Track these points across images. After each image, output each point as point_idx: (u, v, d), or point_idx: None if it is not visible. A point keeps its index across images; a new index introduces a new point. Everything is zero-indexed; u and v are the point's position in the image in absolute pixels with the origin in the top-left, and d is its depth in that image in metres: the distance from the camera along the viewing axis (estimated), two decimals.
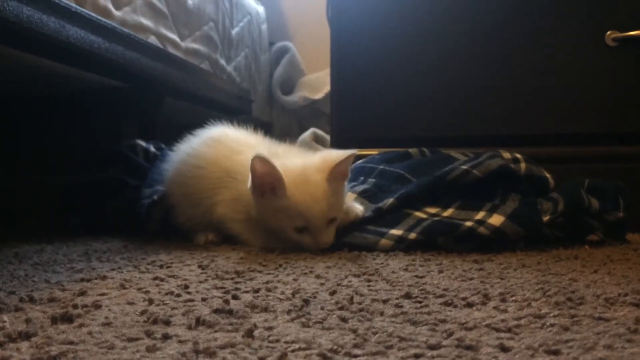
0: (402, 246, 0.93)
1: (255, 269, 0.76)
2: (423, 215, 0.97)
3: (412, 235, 0.93)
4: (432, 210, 0.97)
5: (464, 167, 1.00)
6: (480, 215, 0.94)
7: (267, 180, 0.88)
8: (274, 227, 0.92)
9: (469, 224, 0.92)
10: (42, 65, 1.14)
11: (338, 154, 0.92)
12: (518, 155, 1.07)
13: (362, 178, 1.12)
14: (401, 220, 0.96)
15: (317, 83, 2.24)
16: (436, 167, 1.05)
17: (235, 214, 0.97)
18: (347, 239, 0.94)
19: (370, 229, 0.96)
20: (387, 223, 0.96)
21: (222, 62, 1.77)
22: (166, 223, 1.09)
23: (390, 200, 0.99)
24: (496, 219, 0.92)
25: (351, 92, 1.48)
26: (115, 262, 0.83)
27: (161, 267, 0.79)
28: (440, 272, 0.74)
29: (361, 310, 0.54)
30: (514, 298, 0.59)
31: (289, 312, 0.54)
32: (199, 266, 0.78)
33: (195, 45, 1.58)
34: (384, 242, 0.93)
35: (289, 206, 0.88)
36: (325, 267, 0.77)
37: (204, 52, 1.63)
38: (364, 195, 1.05)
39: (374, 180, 1.09)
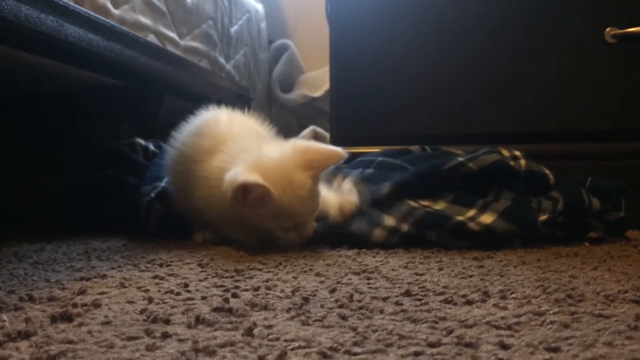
0: (396, 238, 0.93)
1: (254, 267, 0.76)
2: (416, 205, 0.97)
3: (405, 227, 0.93)
4: (425, 202, 0.98)
5: (461, 159, 1.00)
6: (471, 212, 0.94)
7: (251, 197, 0.85)
8: (259, 229, 0.90)
9: (459, 218, 0.92)
10: (40, 64, 1.13)
11: (325, 155, 0.89)
12: (517, 153, 1.07)
13: (361, 168, 1.12)
14: (395, 207, 0.97)
15: (317, 81, 2.24)
16: (434, 160, 1.05)
17: (211, 212, 0.94)
18: (344, 227, 0.95)
19: (364, 213, 0.97)
20: (381, 208, 0.97)
21: (221, 60, 1.77)
22: (166, 221, 1.09)
23: (386, 186, 1.00)
24: (487, 217, 0.92)
25: (350, 89, 1.48)
26: (115, 260, 0.83)
27: (161, 265, 0.79)
28: (440, 269, 0.74)
29: (361, 308, 0.54)
30: (513, 295, 0.59)
31: (288, 310, 0.54)
32: (199, 265, 0.78)
33: (194, 44, 1.58)
34: (377, 232, 0.93)
35: (276, 211, 0.86)
36: (325, 265, 0.77)
37: (203, 51, 1.63)
38: (361, 183, 1.05)
39: (372, 170, 1.10)
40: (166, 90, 1.46)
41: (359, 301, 0.57)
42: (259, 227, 0.90)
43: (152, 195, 1.10)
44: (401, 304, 0.56)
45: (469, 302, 0.57)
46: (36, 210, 1.43)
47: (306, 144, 0.92)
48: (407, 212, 0.96)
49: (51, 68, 1.18)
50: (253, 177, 0.82)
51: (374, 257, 0.85)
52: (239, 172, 0.84)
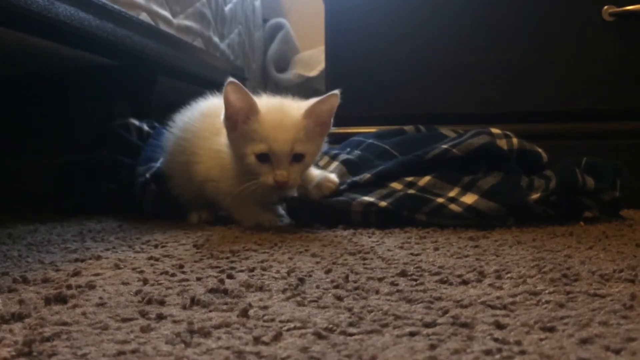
0: (373, 210, 0.94)
1: (250, 248, 0.76)
2: (397, 187, 0.98)
3: (382, 203, 0.94)
4: (408, 178, 0.98)
5: (444, 146, 1.01)
6: (454, 192, 0.95)
7: (240, 107, 0.88)
8: (239, 155, 0.91)
9: (439, 200, 0.93)
10: (32, 43, 1.12)
11: (321, 99, 0.92)
12: (509, 133, 1.06)
13: (348, 149, 1.13)
14: (374, 191, 0.98)
15: (312, 60, 2.22)
16: (423, 145, 1.05)
17: (225, 192, 0.96)
18: (322, 201, 0.96)
19: (343, 194, 0.98)
20: (360, 192, 0.98)
21: (215, 39, 1.75)
22: (160, 202, 1.08)
23: (367, 175, 1.01)
24: (469, 197, 0.93)
25: (346, 69, 1.47)
26: (109, 242, 0.83)
27: (156, 246, 0.78)
28: (436, 249, 0.74)
29: (356, 288, 0.54)
30: (509, 275, 0.59)
31: (284, 291, 0.53)
32: (194, 245, 0.78)
33: (188, 22, 1.56)
34: (355, 204, 0.94)
35: (256, 129, 0.88)
36: (321, 246, 0.77)
37: (196, 29, 1.61)
38: (345, 165, 1.06)
39: (359, 152, 1.10)
40: (159, 70, 1.44)
41: (355, 282, 0.57)
42: (239, 152, 0.90)
43: (147, 175, 1.10)
44: (397, 284, 0.56)
45: (465, 282, 0.57)
46: (29, 190, 1.43)
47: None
48: (386, 193, 0.97)
49: (43, 48, 1.16)
50: (242, 85, 0.87)
51: (369, 237, 0.85)
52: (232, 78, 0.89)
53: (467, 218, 0.92)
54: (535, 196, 0.95)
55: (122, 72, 1.41)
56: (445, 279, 0.58)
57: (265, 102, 0.92)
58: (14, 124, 1.54)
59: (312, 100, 0.92)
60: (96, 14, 1.11)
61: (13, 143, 1.53)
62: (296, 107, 0.92)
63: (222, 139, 0.95)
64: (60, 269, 0.63)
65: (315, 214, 0.97)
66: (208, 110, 1.03)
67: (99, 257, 0.70)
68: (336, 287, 0.55)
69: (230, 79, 0.87)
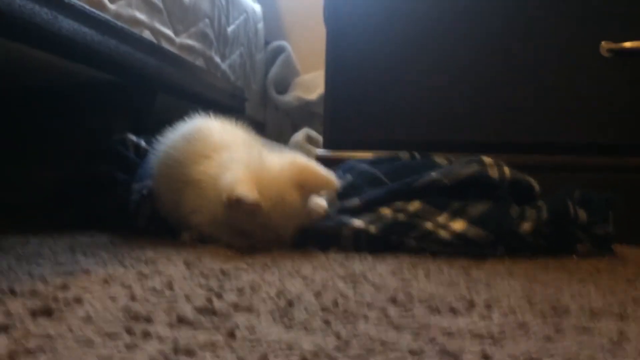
0: (363, 236, 0.94)
1: (241, 268, 0.75)
2: (386, 212, 0.98)
3: (372, 228, 0.94)
4: (398, 204, 0.99)
5: (434, 174, 1.01)
6: (442, 217, 0.95)
7: (245, 208, 0.85)
8: (246, 233, 0.91)
9: (428, 226, 0.93)
10: (34, 57, 1.12)
11: (321, 182, 0.91)
12: (500, 162, 1.07)
13: (340, 172, 1.13)
14: (364, 214, 0.98)
15: (312, 84, 2.23)
16: (414, 172, 1.05)
17: (201, 215, 0.95)
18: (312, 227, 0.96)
19: (333, 219, 0.98)
20: (350, 214, 0.98)
21: (217, 59, 1.77)
22: (155, 219, 1.08)
23: (357, 201, 1.01)
24: (458, 224, 0.93)
25: (345, 93, 1.48)
26: (99, 256, 0.82)
27: (146, 263, 0.78)
28: (427, 276, 0.74)
29: (345, 313, 0.54)
30: (498, 305, 0.59)
31: (272, 313, 0.53)
32: (185, 263, 0.78)
33: (190, 42, 1.57)
34: (345, 232, 0.94)
35: (264, 224, 0.89)
36: (312, 268, 0.77)
37: (198, 49, 1.62)
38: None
39: (350, 177, 1.10)
40: (160, 88, 1.45)
41: (344, 306, 0.56)
42: (246, 232, 0.91)
43: (144, 192, 1.10)
44: (385, 311, 0.55)
45: (454, 311, 0.56)
46: (25, 203, 1.42)
47: (305, 164, 0.93)
48: (375, 218, 0.97)
49: (45, 61, 1.17)
50: (250, 195, 0.83)
51: (361, 262, 0.84)
52: (238, 180, 0.85)
53: (456, 245, 0.92)
54: (526, 226, 0.95)
55: (123, 89, 1.42)
56: (435, 307, 0.57)
57: (266, 190, 0.87)
58: (12, 137, 1.54)
59: (311, 186, 0.91)
60: (99, 30, 1.12)
61: (10, 156, 1.53)
62: (294, 190, 0.89)
63: (203, 168, 0.95)
64: (48, 282, 0.63)
65: (305, 237, 0.96)
66: (190, 134, 1.01)
67: (88, 271, 0.69)
68: (324, 311, 0.55)
69: (236, 195, 0.82)
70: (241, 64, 1.99)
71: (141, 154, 1.29)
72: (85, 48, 1.10)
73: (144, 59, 1.28)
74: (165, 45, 1.44)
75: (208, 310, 0.52)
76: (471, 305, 0.59)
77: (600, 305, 0.60)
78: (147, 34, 1.34)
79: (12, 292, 0.57)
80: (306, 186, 0.90)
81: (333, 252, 0.92)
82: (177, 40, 1.50)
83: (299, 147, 1.95)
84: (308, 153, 1.59)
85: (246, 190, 0.83)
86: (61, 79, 1.40)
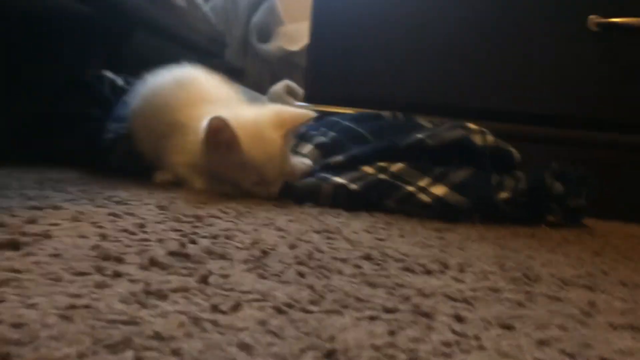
0: (343, 192, 0.93)
1: (215, 215, 0.74)
2: (369, 171, 0.97)
3: (353, 186, 0.94)
4: (381, 163, 0.98)
5: (419, 135, 1.01)
6: (425, 181, 0.95)
7: (222, 139, 0.87)
8: (227, 179, 0.92)
9: (409, 188, 0.93)
10: None
11: (296, 115, 0.94)
12: (484, 129, 1.07)
13: (323, 129, 1.12)
14: (346, 173, 0.97)
15: (296, 34, 2.19)
16: (399, 132, 1.05)
17: (183, 160, 0.95)
18: (293, 184, 0.96)
19: (315, 174, 0.98)
20: (331, 173, 0.97)
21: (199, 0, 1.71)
22: (129, 159, 1.05)
23: (340, 158, 1.00)
24: (439, 189, 0.94)
25: (330, 46, 1.45)
26: (70, 193, 0.80)
27: (118, 203, 0.76)
28: (402, 236, 0.74)
29: (320, 267, 0.53)
30: (471, 269, 0.59)
31: (246, 261, 0.52)
32: (158, 206, 0.76)
33: None
34: (325, 186, 0.94)
35: (244, 163, 0.88)
36: (287, 221, 0.76)
37: None
38: (319, 148, 1.05)
39: (333, 134, 1.09)
40: (137, 24, 1.40)
41: (319, 260, 0.56)
42: (227, 177, 0.91)
43: (121, 132, 1.07)
44: (360, 267, 0.55)
45: (428, 272, 0.56)
46: None
47: (279, 107, 0.99)
48: (358, 176, 0.96)
49: None
50: (227, 119, 0.85)
51: (336, 217, 0.84)
52: (218, 114, 0.87)
53: (435, 209, 0.92)
54: (504, 195, 0.96)
55: (98, 22, 1.36)
56: (409, 267, 0.57)
57: (244, 129, 0.88)
58: None
59: (289, 120, 0.93)
60: None
61: None
62: (274, 130, 0.91)
63: (191, 113, 0.95)
64: (16, 215, 0.61)
65: (285, 193, 0.95)
66: (183, 80, 1.02)
67: (57, 207, 0.67)
68: (299, 263, 0.54)
69: (216, 114, 0.85)
70: (223, 7, 1.94)
71: (117, 92, 1.25)
72: None
73: None
74: None
75: (181, 255, 0.51)
76: (445, 267, 0.59)
77: (569, 275, 0.61)
78: None
79: None
80: (284, 123, 0.91)
81: (308, 206, 0.91)
82: None
83: (278, 98, 1.91)
84: (287, 105, 1.56)
85: (225, 120, 0.85)
86: (34, 8, 1.34)
